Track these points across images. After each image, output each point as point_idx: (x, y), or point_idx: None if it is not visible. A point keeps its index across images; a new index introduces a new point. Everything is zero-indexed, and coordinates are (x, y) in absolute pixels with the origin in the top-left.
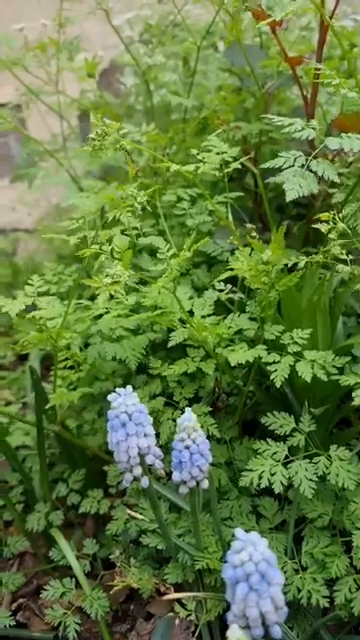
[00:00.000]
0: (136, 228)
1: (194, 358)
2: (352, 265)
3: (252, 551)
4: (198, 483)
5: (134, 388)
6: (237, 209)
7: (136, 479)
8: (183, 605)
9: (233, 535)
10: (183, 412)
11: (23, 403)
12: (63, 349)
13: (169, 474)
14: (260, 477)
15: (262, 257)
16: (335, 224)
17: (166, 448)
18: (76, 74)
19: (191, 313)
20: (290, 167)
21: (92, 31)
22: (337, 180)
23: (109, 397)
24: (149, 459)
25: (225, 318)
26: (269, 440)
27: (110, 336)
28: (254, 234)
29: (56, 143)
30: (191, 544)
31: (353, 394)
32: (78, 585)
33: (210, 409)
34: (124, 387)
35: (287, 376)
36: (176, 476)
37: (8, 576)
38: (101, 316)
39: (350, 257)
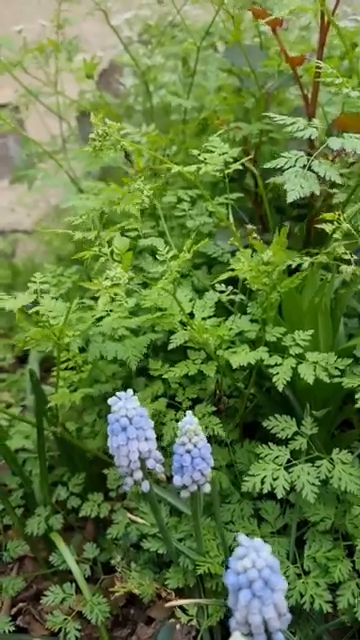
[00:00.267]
0: (136, 229)
1: (195, 360)
2: (355, 266)
3: (255, 557)
4: (200, 487)
5: (134, 391)
6: (237, 210)
7: (137, 483)
8: (184, 610)
9: (234, 539)
10: (186, 414)
11: (22, 406)
12: (65, 348)
13: (169, 478)
14: (262, 482)
15: (263, 258)
16: (340, 224)
17: (168, 450)
18: (75, 75)
19: (192, 315)
20: (291, 167)
21: (90, 31)
22: (339, 181)
23: (109, 401)
24: (150, 463)
25: (226, 320)
26: (271, 444)
27: (112, 336)
28: (255, 235)
29: (55, 144)
30: (192, 548)
31: (356, 396)
32: (78, 589)
33: (214, 409)
34: (124, 389)
35: (289, 378)
36: (177, 480)
37: (8, 581)
38: (102, 318)
39: (354, 257)
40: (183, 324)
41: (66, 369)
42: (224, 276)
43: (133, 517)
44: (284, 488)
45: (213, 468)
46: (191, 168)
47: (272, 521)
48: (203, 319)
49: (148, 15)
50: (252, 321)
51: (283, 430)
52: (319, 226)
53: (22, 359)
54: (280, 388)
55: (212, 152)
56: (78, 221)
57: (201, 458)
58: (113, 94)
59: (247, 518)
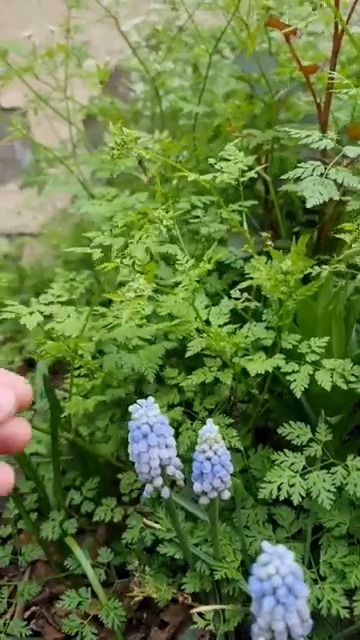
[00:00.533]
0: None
1: (211, 368)
2: None
3: (279, 564)
4: (219, 494)
5: (147, 396)
6: (248, 216)
7: (156, 490)
8: (201, 615)
9: (251, 544)
10: (204, 422)
11: (33, 410)
12: (78, 357)
13: (186, 484)
14: (279, 488)
15: (282, 267)
16: None
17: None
18: (84, 80)
19: (208, 322)
20: (309, 176)
21: (96, 36)
22: (359, 187)
23: (130, 408)
24: (170, 470)
25: (241, 327)
26: (286, 451)
27: (125, 345)
28: (269, 242)
29: (65, 149)
30: (208, 553)
31: None
32: (92, 594)
33: (231, 420)
34: (137, 394)
35: (307, 385)
36: (197, 487)
37: (23, 585)
38: (114, 326)
39: None
40: (199, 331)
41: (79, 376)
42: (244, 284)
43: (149, 522)
44: (300, 495)
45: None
46: (207, 177)
47: (287, 526)
48: (219, 326)
49: (156, 21)
50: (267, 328)
51: (298, 437)
52: (339, 235)
53: (30, 362)
54: (298, 395)
55: (228, 160)
56: (101, 238)
57: (221, 465)
58: (120, 99)
59: (262, 523)
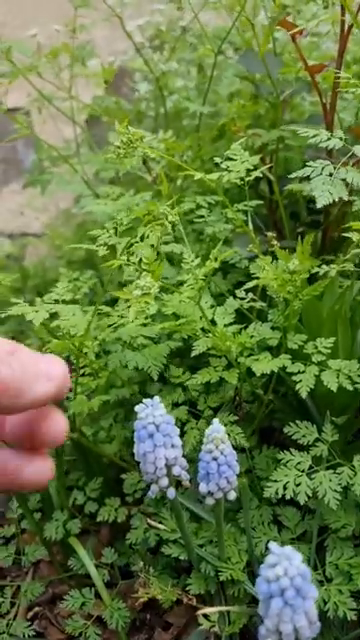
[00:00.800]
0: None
1: (216, 367)
2: None
3: (287, 566)
4: (225, 494)
5: (151, 396)
6: (253, 216)
7: (162, 490)
8: (206, 616)
9: (256, 545)
10: (209, 422)
11: None
12: (83, 356)
13: (192, 484)
14: (285, 488)
15: (289, 266)
16: None
17: (189, 458)
18: (88, 80)
19: (213, 322)
20: (318, 176)
21: (99, 37)
22: None
23: (136, 408)
24: (176, 470)
25: (246, 327)
26: (292, 450)
27: (130, 344)
28: (275, 242)
29: (69, 149)
30: (213, 554)
31: None
32: (96, 594)
33: (236, 418)
34: (141, 394)
35: (313, 386)
36: (203, 487)
37: (26, 585)
38: (119, 325)
39: None
40: (204, 331)
41: (83, 375)
42: (251, 284)
43: (153, 523)
44: (306, 494)
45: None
46: (213, 176)
47: (292, 527)
48: (224, 326)
49: (160, 21)
50: (273, 328)
51: (304, 436)
52: (346, 234)
53: None
54: (304, 395)
55: (234, 160)
56: (105, 236)
57: (227, 465)
58: (123, 99)
59: (267, 524)
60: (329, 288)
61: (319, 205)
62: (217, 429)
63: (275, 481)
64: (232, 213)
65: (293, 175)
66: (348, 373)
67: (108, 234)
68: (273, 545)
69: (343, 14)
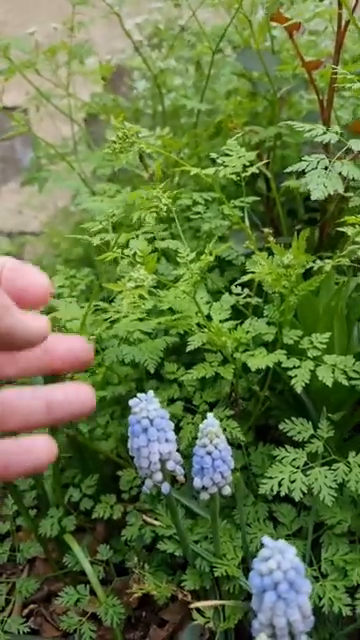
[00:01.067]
0: (151, 232)
1: (212, 363)
2: None
3: (280, 559)
4: (220, 489)
5: (147, 392)
6: (249, 213)
7: (156, 485)
8: (201, 612)
9: (251, 541)
10: (204, 417)
11: None
12: None
13: (187, 479)
14: (280, 484)
15: (283, 261)
16: None
17: (184, 453)
18: (86, 78)
19: (209, 317)
20: (314, 169)
21: (97, 35)
22: None
23: (130, 402)
24: (170, 465)
25: (242, 323)
26: (288, 446)
27: (127, 339)
28: (271, 238)
29: (67, 147)
30: (208, 550)
31: None
32: (91, 591)
33: (232, 412)
34: (138, 391)
35: (308, 381)
36: (197, 482)
37: (21, 582)
38: (115, 321)
39: None
40: (200, 326)
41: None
42: (245, 278)
43: (148, 519)
44: (301, 491)
45: (232, 470)
46: (209, 171)
47: (288, 524)
48: (220, 322)
49: (159, 19)
50: (269, 324)
51: (299, 433)
52: (342, 229)
53: None
54: (299, 390)
55: (230, 156)
56: (97, 227)
57: (222, 460)
58: (121, 97)
59: (263, 521)
60: (325, 284)
61: (313, 198)
62: (211, 423)
63: (270, 478)
64: (229, 209)
65: (289, 169)
66: (344, 368)
67: (101, 225)
68: (266, 539)
69: (340, 7)
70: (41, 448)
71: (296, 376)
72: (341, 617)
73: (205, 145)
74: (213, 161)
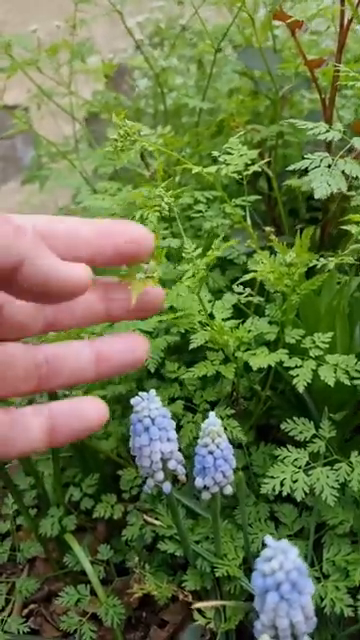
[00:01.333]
0: (153, 231)
1: (213, 361)
2: None
3: (283, 559)
4: (221, 489)
5: (148, 391)
6: (251, 212)
7: (158, 485)
8: (202, 613)
9: (252, 542)
10: (205, 416)
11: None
12: None
13: (188, 479)
14: (282, 484)
15: (285, 259)
16: None
17: (185, 452)
18: (88, 77)
19: (211, 316)
20: (317, 168)
21: (98, 34)
22: None
23: (132, 401)
24: (171, 464)
25: (244, 322)
26: (289, 446)
27: None
28: (273, 237)
29: (68, 145)
30: (209, 550)
31: None
32: (91, 591)
33: (233, 411)
34: (138, 390)
35: (310, 381)
36: (199, 482)
37: (21, 582)
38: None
39: None
40: (202, 324)
41: None
42: (247, 277)
43: (149, 519)
44: (303, 491)
45: (233, 470)
46: (211, 169)
47: (289, 524)
48: (222, 320)
49: (160, 18)
50: (270, 323)
51: (301, 433)
52: (345, 227)
53: None
54: (301, 389)
55: (231, 154)
56: None
57: (223, 459)
58: (123, 96)
59: (264, 521)
60: (327, 283)
61: (317, 196)
62: (213, 422)
63: (272, 477)
64: (230, 208)
65: (291, 167)
66: (346, 368)
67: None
68: (269, 539)
69: (342, 4)
70: (91, 409)
71: (298, 375)
72: (343, 618)
73: (207, 144)
74: (215, 160)
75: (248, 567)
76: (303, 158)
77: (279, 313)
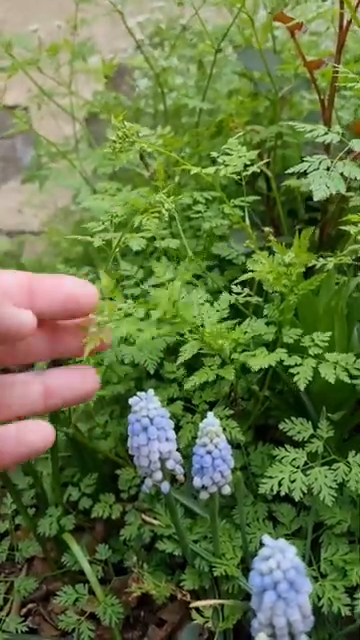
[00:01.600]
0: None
1: (211, 366)
2: None
3: (280, 559)
4: (219, 488)
5: (147, 392)
6: (250, 213)
7: (156, 484)
8: (200, 612)
9: (250, 541)
10: (204, 416)
11: None
12: None
13: (186, 479)
14: (280, 484)
15: (284, 259)
16: None
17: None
18: (88, 77)
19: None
20: (316, 170)
21: (99, 34)
22: None
23: (130, 401)
24: (170, 464)
25: (240, 323)
26: (288, 446)
27: (127, 339)
28: (271, 237)
29: (68, 145)
30: (208, 550)
31: None
32: (90, 591)
33: (232, 412)
34: (137, 390)
35: (310, 379)
36: (197, 481)
37: (20, 581)
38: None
39: None
40: (192, 332)
41: None
42: (245, 277)
43: (148, 519)
44: (301, 491)
45: (231, 470)
46: (210, 170)
47: (287, 524)
48: (218, 322)
49: (160, 19)
50: (268, 324)
51: (299, 433)
52: (344, 227)
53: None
54: (301, 388)
55: (230, 155)
56: (100, 228)
57: (222, 459)
58: (123, 96)
59: (262, 520)
60: (325, 284)
61: (316, 198)
62: (211, 422)
63: (270, 477)
64: (229, 209)
65: (290, 170)
66: (345, 366)
67: (103, 226)
68: (266, 538)
69: (342, 7)
70: (37, 433)
71: (298, 374)
72: (340, 617)
73: (206, 144)
74: (214, 160)
75: (246, 566)
76: (302, 159)
77: (277, 313)
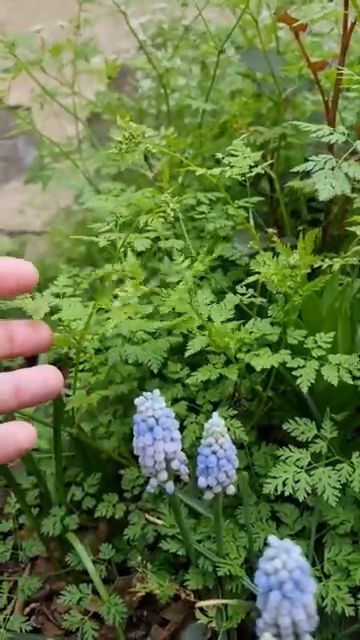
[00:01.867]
0: (155, 230)
1: (215, 364)
2: None
3: (286, 559)
4: (224, 489)
5: (150, 392)
6: (253, 213)
7: (161, 484)
8: (204, 612)
9: (254, 541)
10: (208, 417)
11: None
12: (82, 350)
13: (190, 479)
14: (284, 484)
15: (289, 261)
16: None
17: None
18: (91, 78)
19: (210, 319)
20: (320, 170)
21: (101, 35)
22: None
23: (136, 401)
24: (175, 464)
25: (245, 323)
26: (291, 447)
27: (131, 338)
28: (275, 238)
29: (71, 145)
30: (211, 550)
31: None
32: (93, 590)
33: (235, 412)
34: (140, 390)
35: (314, 380)
36: (202, 481)
37: (24, 580)
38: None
39: None
40: (201, 329)
41: (82, 370)
42: (251, 279)
43: (152, 518)
44: (305, 491)
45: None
46: (215, 171)
47: (291, 524)
48: (223, 322)
49: (163, 20)
50: (273, 324)
51: (303, 433)
52: (349, 228)
53: (31, 359)
54: (304, 390)
55: (235, 156)
56: (105, 228)
57: (227, 459)
58: (125, 97)
59: (266, 520)
60: (329, 285)
61: (321, 198)
62: (216, 423)
63: (274, 477)
64: (233, 210)
65: (295, 169)
66: (348, 367)
67: (108, 227)
68: (272, 538)
69: (346, 7)
70: (19, 435)
71: (301, 376)
72: (344, 617)
73: (209, 145)
74: (217, 161)
75: (250, 566)
76: (305, 160)
77: (281, 314)
